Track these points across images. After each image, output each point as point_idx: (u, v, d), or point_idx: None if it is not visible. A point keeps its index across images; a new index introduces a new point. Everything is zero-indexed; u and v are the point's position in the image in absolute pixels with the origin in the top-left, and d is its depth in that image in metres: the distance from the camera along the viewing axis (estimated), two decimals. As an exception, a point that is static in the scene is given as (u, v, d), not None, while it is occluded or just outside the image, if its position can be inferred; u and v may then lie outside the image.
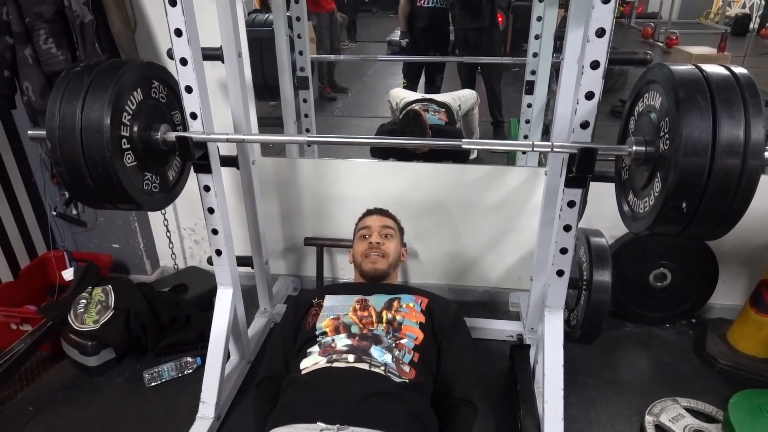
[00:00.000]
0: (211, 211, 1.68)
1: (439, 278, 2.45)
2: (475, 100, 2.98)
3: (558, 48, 2.17)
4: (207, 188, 1.64)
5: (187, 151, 1.49)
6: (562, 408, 1.57)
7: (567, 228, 1.54)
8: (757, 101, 1.10)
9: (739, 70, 1.16)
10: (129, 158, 1.39)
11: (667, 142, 1.14)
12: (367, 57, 2.74)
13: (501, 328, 2.17)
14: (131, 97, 1.39)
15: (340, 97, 3.52)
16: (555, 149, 1.37)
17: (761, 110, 1.09)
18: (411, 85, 3.19)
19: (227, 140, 1.49)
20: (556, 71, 2.22)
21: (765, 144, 1.07)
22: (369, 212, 1.92)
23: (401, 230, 1.89)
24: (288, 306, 1.72)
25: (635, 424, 1.76)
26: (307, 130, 2.57)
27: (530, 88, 2.35)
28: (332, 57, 3.09)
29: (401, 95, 3.01)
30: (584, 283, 1.83)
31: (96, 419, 1.82)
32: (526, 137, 2.43)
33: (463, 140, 1.40)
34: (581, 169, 1.38)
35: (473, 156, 2.80)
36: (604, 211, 1.86)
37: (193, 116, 1.54)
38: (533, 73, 2.31)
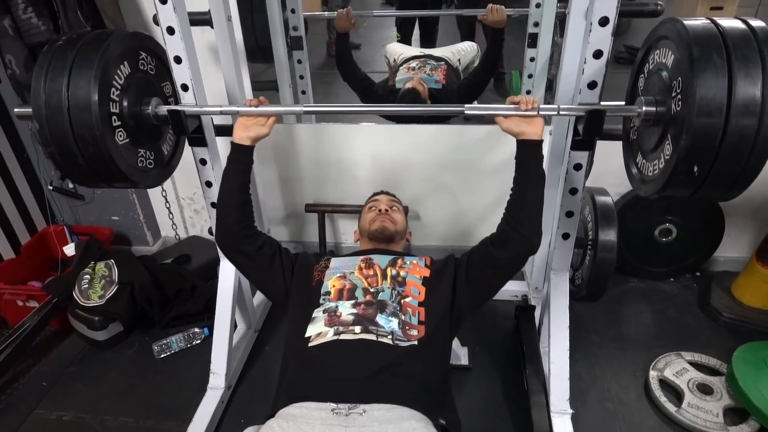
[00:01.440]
0: (209, 184, 1.65)
1: (441, 240, 2.44)
2: (476, 52, 2.86)
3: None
4: (203, 161, 1.60)
5: (180, 125, 1.44)
6: (567, 369, 1.59)
7: (573, 191, 1.51)
8: (776, 56, 1.05)
9: (757, 23, 1.09)
10: (121, 135, 1.34)
11: (680, 103, 1.08)
12: (362, 13, 2.61)
13: (505, 288, 2.13)
14: (119, 71, 1.33)
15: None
16: (561, 112, 1.32)
17: None
18: (405, 39, 3.07)
19: (221, 113, 1.44)
20: (560, 22, 2.13)
21: None
22: (376, 193, 1.93)
23: (407, 213, 1.85)
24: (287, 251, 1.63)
25: (640, 380, 1.79)
26: (303, 92, 2.50)
27: (533, 41, 2.25)
28: (326, 14, 2.96)
29: (398, 51, 2.90)
30: (589, 242, 1.81)
31: (109, 392, 1.85)
32: (528, 92, 2.36)
33: (466, 105, 1.35)
34: (589, 132, 1.33)
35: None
36: (609, 168, 1.82)
37: (184, 88, 1.48)
38: (536, 24, 2.21)
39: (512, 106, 1.31)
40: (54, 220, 2.45)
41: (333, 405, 1.15)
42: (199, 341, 2.03)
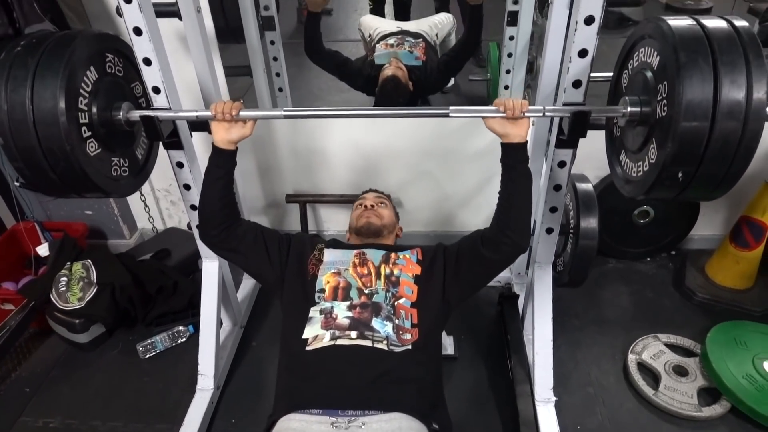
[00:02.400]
0: (187, 187, 1.60)
1: (424, 225, 2.44)
2: (452, 24, 2.80)
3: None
4: (180, 165, 1.55)
5: (154, 131, 1.39)
6: (551, 359, 1.64)
7: (557, 188, 1.51)
8: (760, 61, 1.05)
9: (741, 23, 1.09)
10: (92, 146, 1.29)
11: (665, 108, 1.08)
12: None
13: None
14: (85, 78, 1.26)
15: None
16: (547, 113, 1.30)
17: (764, 69, 1.04)
18: (378, 7, 2.97)
19: (197, 118, 1.38)
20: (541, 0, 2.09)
21: (766, 104, 1.03)
22: (365, 191, 1.93)
23: (396, 213, 1.84)
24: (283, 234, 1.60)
25: (619, 363, 1.86)
26: (278, 75, 2.42)
27: (513, 19, 2.19)
28: None
29: (374, 25, 2.81)
30: (571, 229, 1.83)
31: (96, 396, 1.84)
32: (508, 72, 2.33)
33: (451, 108, 1.32)
34: (574, 132, 1.33)
35: (451, 84, 2.70)
36: (589, 152, 1.82)
37: (156, 90, 1.41)
38: (516, 2, 2.16)
39: (496, 108, 1.29)
40: (24, 217, 2.36)
41: (332, 419, 1.17)
42: (184, 339, 2.01)
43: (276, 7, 2.30)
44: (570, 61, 1.29)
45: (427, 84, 2.44)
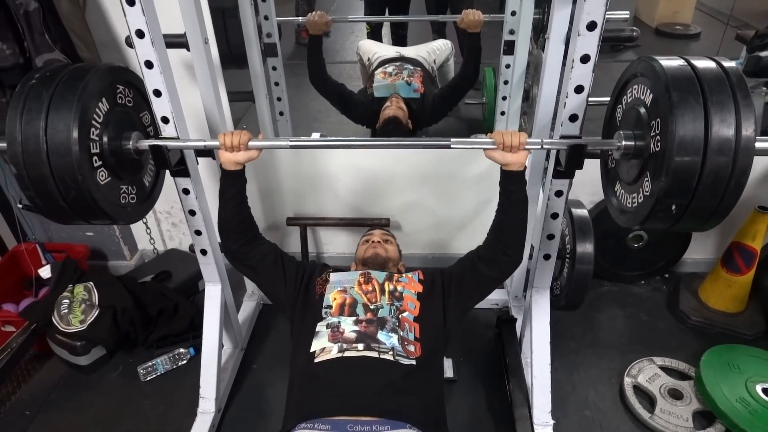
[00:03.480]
0: (192, 213, 1.63)
1: (422, 248, 2.48)
2: (450, 50, 2.86)
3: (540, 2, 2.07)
4: (186, 191, 1.58)
5: (162, 160, 1.42)
6: (549, 383, 1.67)
7: (554, 216, 1.56)
8: (748, 100, 1.10)
9: (729, 64, 1.15)
10: (102, 175, 1.32)
11: (659, 143, 1.13)
12: (337, 18, 2.56)
13: (487, 297, 2.22)
14: (97, 109, 1.29)
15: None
16: (545, 146, 1.35)
17: (752, 108, 1.09)
18: (375, 32, 3.03)
19: (204, 147, 1.42)
20: (536, 30, 2.14)
21: (755, 140, 1.08)
22: (372, 227, 2.04)
23: (399, 249, 1.92)
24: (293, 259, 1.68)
25: (615, 386, 1.89)
26: (278, 99, 2.47)
27: (509, 48, 2.26)
28: (300, 19, 2.89)
29: (372, 49, 2.87)
30: (567, 254, 1.87)
31: (96, 419, 1.84)
32: (504, 98, 2.38)
33: (452, 140, 1.37)
34: (570, 164, 1.37)
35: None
36: (583, 179, 1.86)
37: (165, 120, 1.45)
38: (512, 32, 2.22)
39: (493, 141, 1.36)
40: (25, 238, 2.38)
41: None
42: (185, 361, 2.02)
43: (278, 34, 2.36)
44: (567, 96, 1.34)
45: (425, 116, 2.49)
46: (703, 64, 1.14)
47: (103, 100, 1.32)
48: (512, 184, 1.41)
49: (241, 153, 1.41)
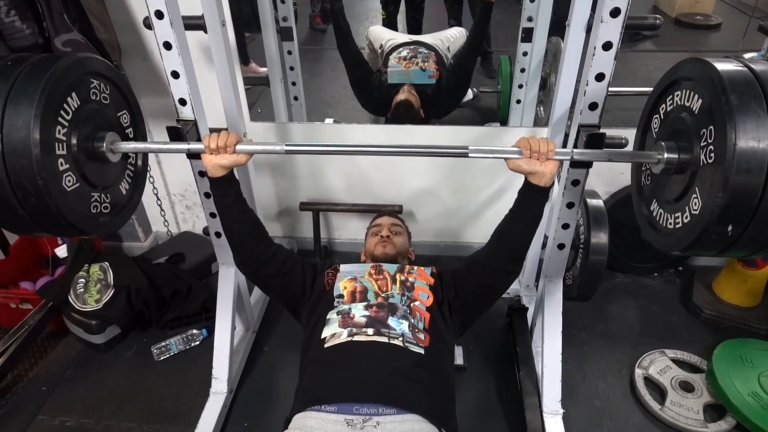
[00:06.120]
0: (207, 195, 1.63)
1: (434, 236, 2.48)
2: (465, 38, 2.84)
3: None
4: (202, 174, 1.59)
5: (179, 140, 1.43)
6: (560, 372, 1.67)
7: (570, 205, 1.55)
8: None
9: None
10: (69, 180, 1.15)
11: (712, 154, 0.98)
12: None
13: (498, 286, 2.23)
14: (65, 105, 1.13)
15: (330, 28, 3.28)
16: (575, 156, 1.26)
17: None
18: (390, 18, 3.01)
19: (188, 151, 1.38)
20: (555, 20, 2.12)
21: None
22: (380, 214, 1.98)
23: (409, 233, 1.92)
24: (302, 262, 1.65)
25: (626, 377, 1.88)
26: (293, 84, 2.47)
27: (527, 35, 2.24)
28: None
29: (386, 36, 2.84)
30: (581, 244, 1.87)
31: (111, 396, 1.87)
32: (521, 87, 2.36)
33: (470, 147, 1.28)
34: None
35: (469, 98, 2.73)
36: (599, 169, 1.85)
37: (182, 102, 1.46)
38: (530, 20, 2.20)
39: (518, 149, 1.25)
40: (42, 218, 2.40)
41: (347, 416, 1.20)
42: (198, 342, 2.05)
43: (294, 18, 2.35)
44: (587, 84, 1.32)
45: (440, 103, 2.47)
46: (762, 66, 0.98)
47: (73, 95, 1.16)
48: (534, 199, 1.30)
49: (225, 156, 1.31)
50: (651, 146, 1.23)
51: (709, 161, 0.99)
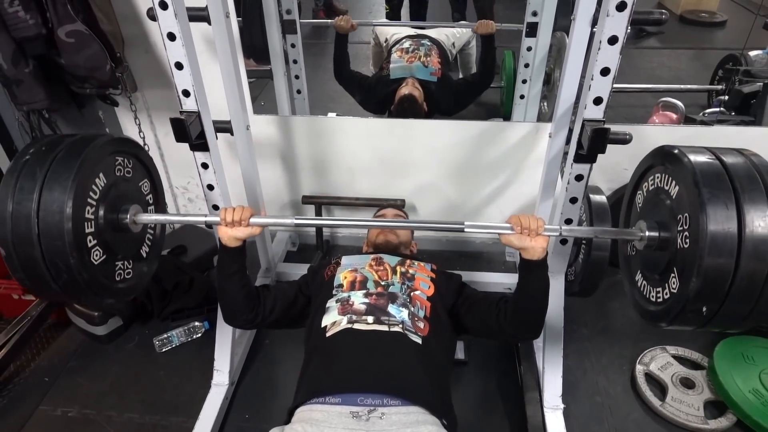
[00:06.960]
0: (210, 187, 1.64)
1: (437, 231, 2.47)
2: (471, 34, 2.83)
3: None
4: (205, 165, 1.59)
5: (183, 134, 1.43)
6: (561, 368, 1.67)
7: (573, 200, 1.54)
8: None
9: (759, 160, 1.10)
10: (96, 254, 1.24)
11: (687, 240, 1.08)
12: (362, 22, 2.57)
13: (499, 281, 2.23)
14: (94, 186, 1.23)
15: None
16: (564, 233, 1.36)
17: None
18: (394, 10, 3.00)
19: (205, 224, 1.44)
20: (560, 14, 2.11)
21: None
22: (384, 206, 2.02)
23: (412, 230, 1.92)
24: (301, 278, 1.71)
25: (626, 373, 1.89)
26: (296, 77, 2.46)
27: (531, 30, 2.23)
28: (328, 21, 2.86)
29: (390, 30, 2.84)
30: (583, 240, 1.86)
31: (113, 388, 1.88)
32: (524, 82, 2.36)
33: (466, 223, 1.32)
34: (593, 148, 1.36)
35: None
36: (602, 165, 1.84)
37: (186, 93, 1.44)
38: (535, 14, 2.19)
39: (511, 226, 1.30)
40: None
41: (352, 408, 1.20)
42: (199, 335, 2.05)
43: (298, 11, 2.34)
44: (592, 79, 1.31)
45: (442, 101, 2.47)
46: (732, 159, 1.09)
47: (101, 175, 1.25)
48: (532, 272, 1.34)
49: (241, 229, 1.37)
50: (635, 220, 1.31)
51: (685, 246, 1.08)
